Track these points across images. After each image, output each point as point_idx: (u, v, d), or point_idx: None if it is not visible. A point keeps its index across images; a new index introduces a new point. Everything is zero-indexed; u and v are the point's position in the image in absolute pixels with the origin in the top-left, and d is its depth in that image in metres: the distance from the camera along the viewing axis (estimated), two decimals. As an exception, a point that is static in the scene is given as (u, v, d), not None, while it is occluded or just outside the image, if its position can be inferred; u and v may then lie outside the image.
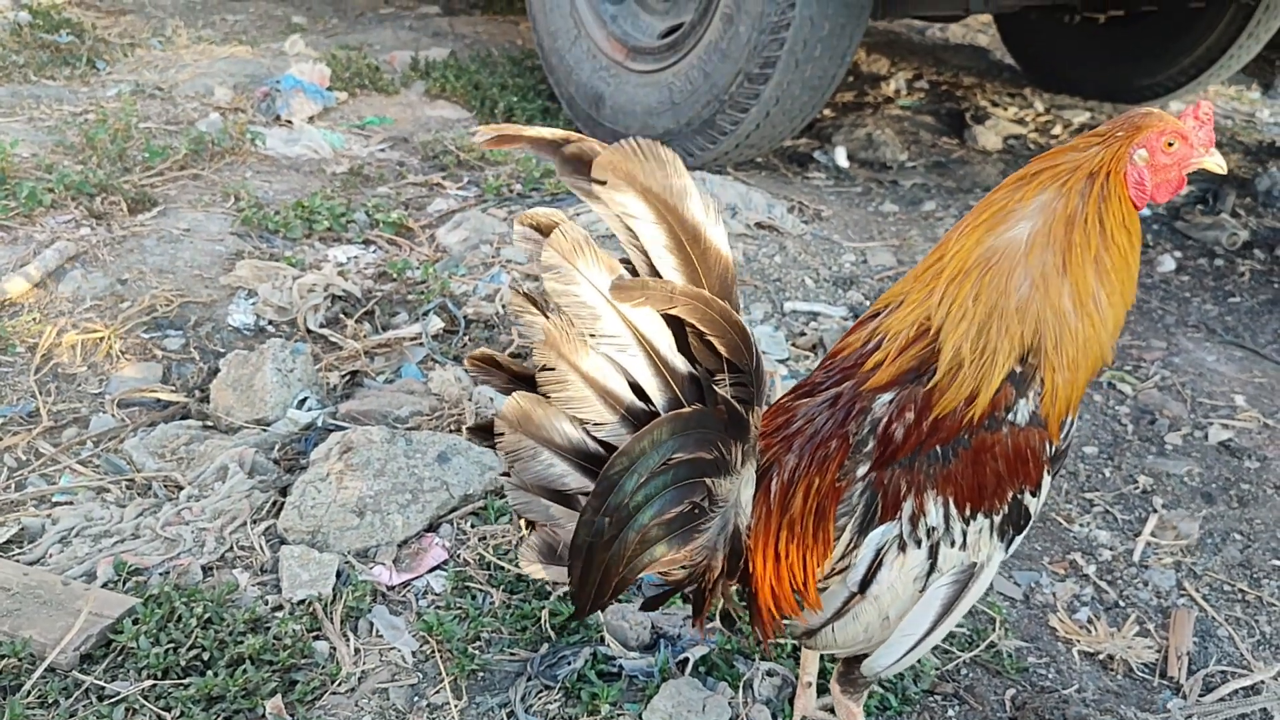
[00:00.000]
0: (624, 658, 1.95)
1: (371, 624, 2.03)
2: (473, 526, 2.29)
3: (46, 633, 1.88)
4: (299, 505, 2.22)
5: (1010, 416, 1.39)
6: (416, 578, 2.15)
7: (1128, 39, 5.42)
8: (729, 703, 1.84)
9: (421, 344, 2.96)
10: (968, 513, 1.41)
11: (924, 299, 1.43)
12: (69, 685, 1.83)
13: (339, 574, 2.12)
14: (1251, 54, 5.22)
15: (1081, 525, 2.53)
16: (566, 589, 1.38)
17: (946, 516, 1.41)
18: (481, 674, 1.94)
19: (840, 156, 4.83)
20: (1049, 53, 5.90)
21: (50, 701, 1.80)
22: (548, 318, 1.22)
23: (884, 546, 1.42)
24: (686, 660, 1.93)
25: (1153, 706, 2.02)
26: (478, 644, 2.00)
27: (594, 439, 1.29)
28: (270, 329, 3.02)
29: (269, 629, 1.97)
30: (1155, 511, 2.59)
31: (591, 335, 1.23)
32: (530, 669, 1.93)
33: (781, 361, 2.97)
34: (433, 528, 2.28)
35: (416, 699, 1.89)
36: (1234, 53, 5.13)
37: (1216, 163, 1.43)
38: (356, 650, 1.97)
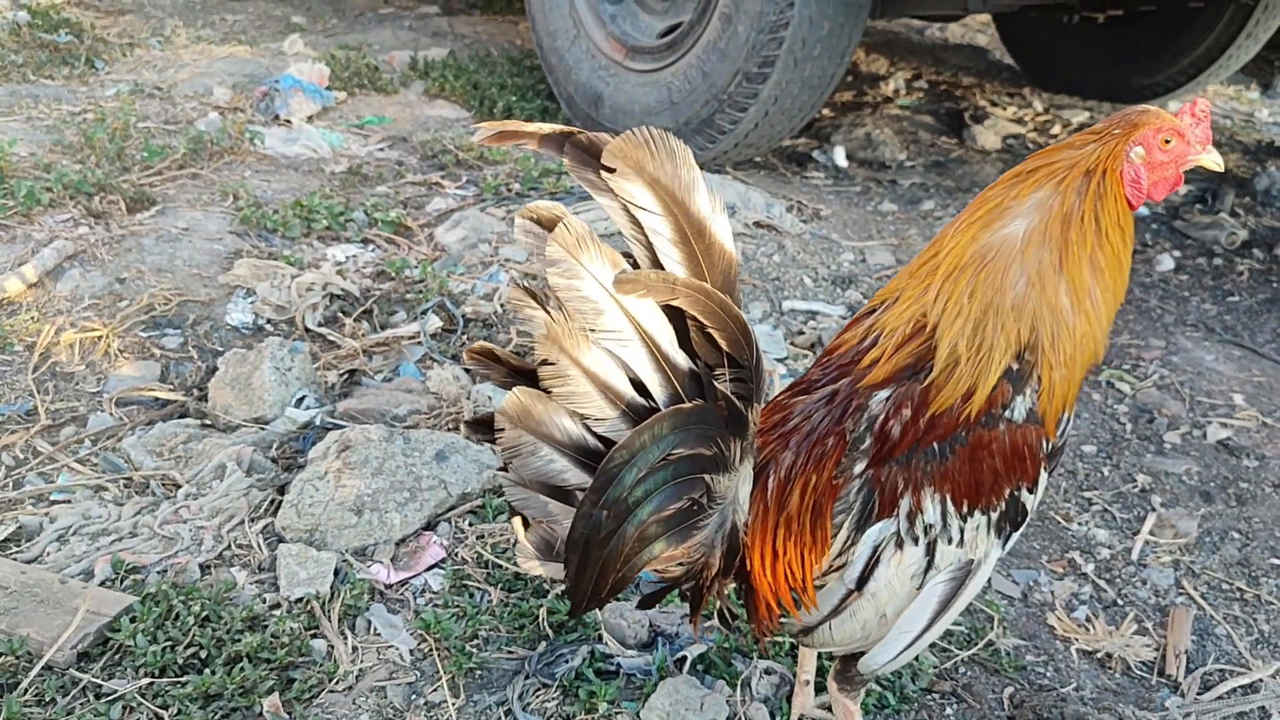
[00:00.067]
0: (622, 656, 1.94)
1: (369, 622, 2.03)
2: (470, 525, 2.29)
3: (44, 631, 1.88)
4: (297, 503, 2.22)
5: (1007, 413, 1.39)
6: (414, 576, 2.15)
7: (1127, 39, 5.42)
8: (727, 701, 1.84)
9: (420, 343, 2.96)
10: (965, 510, 1.41)
11: (920, 295, 1.43)
12: (66, 683, 1.83)
13: (337, 572, 2.12)
14: (1250, 54, 5.23)
15: (1080, 524, 2.53)
16: (564, 586, 1.37)
17: (944, 513, 1.41)
18: (479, 672, 1.94)
19: (839, 156, 4.83)
20: (1048, 52, 5.91)
21: (47, 699, 1.80)
22: (548, 312, 1.22)
23: (881, 544, 1.42)
24: (684, 658, 1.93)
25: (1151, 705, 2.02)
26: (475, 642, 2.00)
27: (594, 434, 1.29)
28: (269, 328, 3.02)
29: (267, 627, 1.97)
30: (1154, 510, 2.59)
31: (593, 330, 1.23)
32: (528, 667, 1.92)
33: (780, 360, 2.97)
34: (431, 526, 2.28)
35: (414, 697, 1.89)
36: (1233, 53, 5.13)
37: (1213, 160, 1.43)
38: (354, 648, 1.97)
